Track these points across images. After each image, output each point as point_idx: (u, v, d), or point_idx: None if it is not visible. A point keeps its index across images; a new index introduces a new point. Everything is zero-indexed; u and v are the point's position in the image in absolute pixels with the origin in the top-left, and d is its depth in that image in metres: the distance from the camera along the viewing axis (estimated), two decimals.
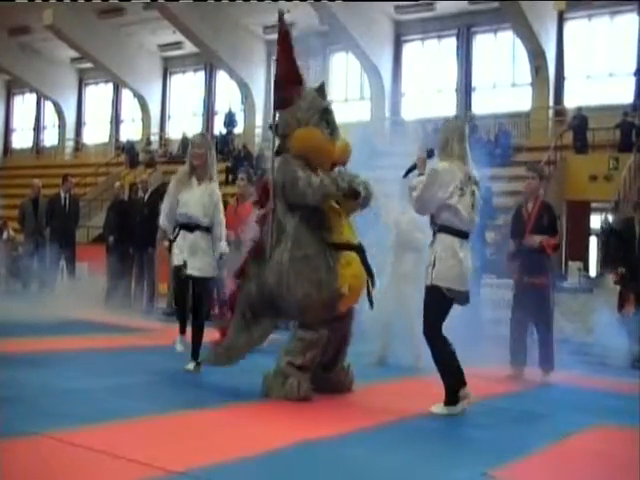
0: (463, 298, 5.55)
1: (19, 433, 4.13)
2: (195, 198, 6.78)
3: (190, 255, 6.78)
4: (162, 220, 6.98)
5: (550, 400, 6.65)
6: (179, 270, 6.85)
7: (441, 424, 5.25)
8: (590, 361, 9.24)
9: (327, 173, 5.97)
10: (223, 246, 6.90)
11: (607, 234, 13.71)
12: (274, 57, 6.77)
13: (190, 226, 6.79)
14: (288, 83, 6.26)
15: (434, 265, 5.43)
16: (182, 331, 7.47)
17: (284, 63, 6.32)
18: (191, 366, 6.76)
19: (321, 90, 6.23)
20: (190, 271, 6.79)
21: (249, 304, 6.05)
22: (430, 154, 5.76)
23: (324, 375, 6.08)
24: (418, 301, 7.74)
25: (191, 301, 7.01)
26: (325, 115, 6.04)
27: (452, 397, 5.43)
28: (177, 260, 6.84)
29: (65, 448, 3.95)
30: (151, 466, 3.70)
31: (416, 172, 6.38)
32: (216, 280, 12.14)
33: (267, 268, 5.95)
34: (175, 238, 6.90)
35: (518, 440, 4.91)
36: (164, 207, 6.97)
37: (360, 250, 5.97)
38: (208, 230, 6.88)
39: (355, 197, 5.91)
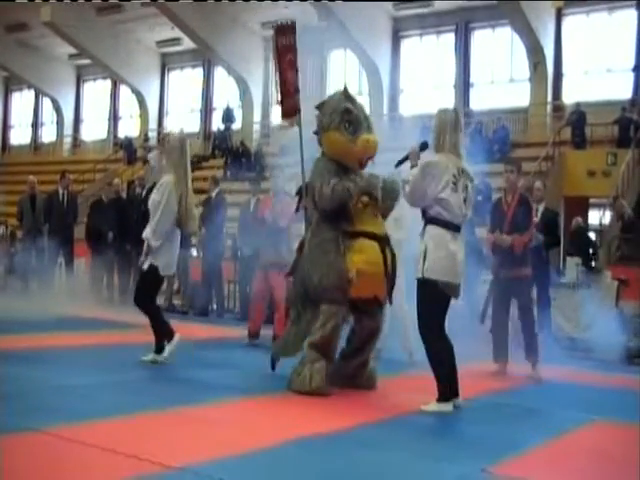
0: (455, 290, 5.49)
1: (16, 429, 4.14)
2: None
3: None
4: None
5: (547, 396, 6.66)
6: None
7: (438, 420, 5.26)
8: (587, 356, 9.27)
9: (350, 175, 6.13)
10: (145, 233, 6.83)
11: (581, 235, 13.92)
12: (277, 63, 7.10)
13: None
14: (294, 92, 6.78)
15: (424, 258, 5.38)
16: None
17: (293, 73, 6.72)
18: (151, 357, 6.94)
19: (346, 92, 6.38)
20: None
21: (298, 296, 6.28)
22: (423, 147, 5.73)
23: (342, 364, 6.17)
24: (400, 295, 7.85)
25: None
26: (346, 116, 6.15)
27: (444, 395, 5.40)
28: None
29: (63, 444, 3.96)
30: (150, 461, 3.71)
31: (408, 164, 6.39)
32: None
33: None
34: None
35: (516, 436, 4.92)
36: None
37: (384, 241, 6.02)
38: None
39: (375, 199, 6.03)
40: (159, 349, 6.91)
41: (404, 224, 7.79)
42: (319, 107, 6.41)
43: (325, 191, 5.99)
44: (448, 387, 5.42)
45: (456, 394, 5.43)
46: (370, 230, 5.99)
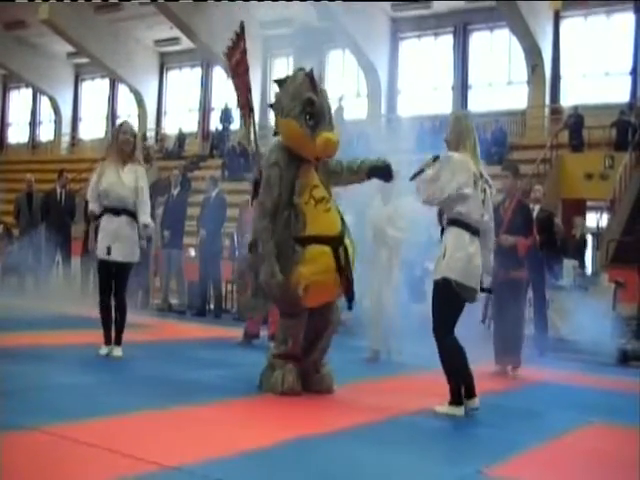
0: (471, 294, 5.42)
1: (14, 427, 4.13)
2: (123, 181, 6.89)
3: (114, 240, 6.89)
4: (93, 206, 7.00)
5: (545, 398, 6.67)
6: (104, 262, 6.95)
7: (435, 421, 5.25)
8: (584, 359, 9.29)
9: (304, 167, 5.82)
10: (147, 219, 6.98)
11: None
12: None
13: (117, 210, 6.88)
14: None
15: (443, 257, 5.32)
16: (108, 341, 7.12)
17: (245, 90, 6.76)
18: (115, 351, 6.96)
19: (310, 77, 5.86)
20: (114, 257, 6.90)
21: (250, 275, 6.05)
22: (436, 159, 5.59)
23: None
24: (391, 297, 7.89)
25: (113, 287, 7.07)
26: (307, 107, 5.71)
27: (457, 398, 5.36)
28: (101, 251, 6.94)
29: (60, 442, 3.95)
30: (146, 461, 3.70)
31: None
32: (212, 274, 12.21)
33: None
34: (98, 223, 7.01)
35: (513, 437, 4.92)
36: (94, 193, 6.98)
37: (336, 241, 5.70)
38: (133, 216, 6.95)
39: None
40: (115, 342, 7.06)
41: (400, 224, 7.84)
42: (279, 83, 5.98)
43: (258, 223, 5.83)
44: (459, 390, 5.36)
45: (473, 394, 5.39)
46: (322, 233, 5.66)
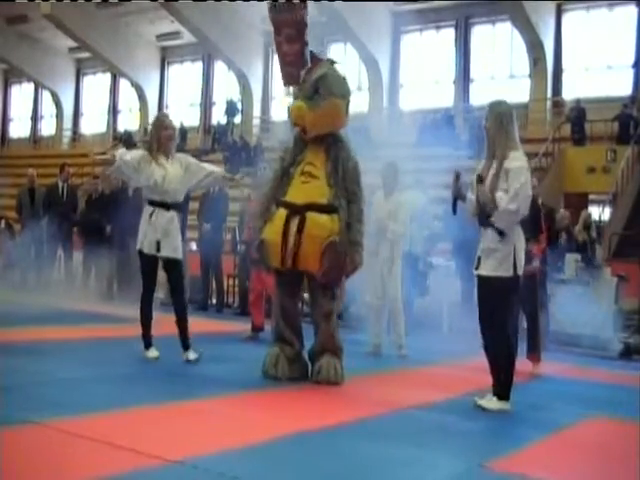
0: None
1: (17, 422, 4.14)
2: (174, 174, 6.65)
3: (164, 235, 6.63)
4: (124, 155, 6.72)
5: (546, 392, 6.67)
6: (151, 258, 6.69)
7: (436, 415, 5.26)
8: (586, 353, 9.29)
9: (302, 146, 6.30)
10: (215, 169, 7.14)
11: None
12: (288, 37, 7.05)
13: (168, 205, 6.66)
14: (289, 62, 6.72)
15: (514, 256, 5.30)
16: (149, 342, 6.90)
17: (290, 46, 6.72)
18: (191, 356, 6.77)
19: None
20: (165, 253, 6.67)
21: None
22: (458, 176, 5.53)
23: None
24: (395, 289, 7.87)
25: (169, 286, 6.99)
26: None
27: (507, 393, 5.38)
28: (149, 246, 6.65)
29: (63, 437, 3.96)
30: (148, 455, 3.71)
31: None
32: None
33: None
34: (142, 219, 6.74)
35: (514, 431, 4.93)
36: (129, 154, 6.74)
37: (294, 208, 6.01)
38: (179, 210, 6.91)
39: None
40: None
41: (400, 218, 7.83)
42: None
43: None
44: (510, 385, 5.39)
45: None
46: (288, 200, 6.10)
